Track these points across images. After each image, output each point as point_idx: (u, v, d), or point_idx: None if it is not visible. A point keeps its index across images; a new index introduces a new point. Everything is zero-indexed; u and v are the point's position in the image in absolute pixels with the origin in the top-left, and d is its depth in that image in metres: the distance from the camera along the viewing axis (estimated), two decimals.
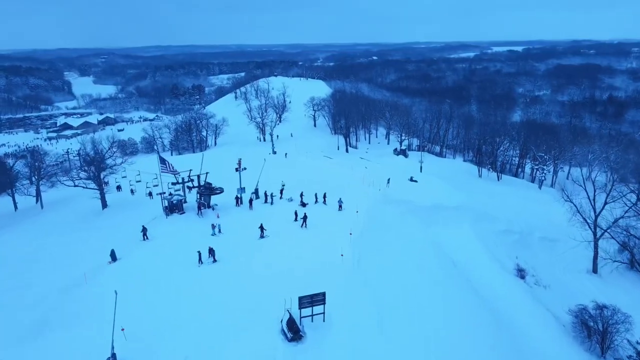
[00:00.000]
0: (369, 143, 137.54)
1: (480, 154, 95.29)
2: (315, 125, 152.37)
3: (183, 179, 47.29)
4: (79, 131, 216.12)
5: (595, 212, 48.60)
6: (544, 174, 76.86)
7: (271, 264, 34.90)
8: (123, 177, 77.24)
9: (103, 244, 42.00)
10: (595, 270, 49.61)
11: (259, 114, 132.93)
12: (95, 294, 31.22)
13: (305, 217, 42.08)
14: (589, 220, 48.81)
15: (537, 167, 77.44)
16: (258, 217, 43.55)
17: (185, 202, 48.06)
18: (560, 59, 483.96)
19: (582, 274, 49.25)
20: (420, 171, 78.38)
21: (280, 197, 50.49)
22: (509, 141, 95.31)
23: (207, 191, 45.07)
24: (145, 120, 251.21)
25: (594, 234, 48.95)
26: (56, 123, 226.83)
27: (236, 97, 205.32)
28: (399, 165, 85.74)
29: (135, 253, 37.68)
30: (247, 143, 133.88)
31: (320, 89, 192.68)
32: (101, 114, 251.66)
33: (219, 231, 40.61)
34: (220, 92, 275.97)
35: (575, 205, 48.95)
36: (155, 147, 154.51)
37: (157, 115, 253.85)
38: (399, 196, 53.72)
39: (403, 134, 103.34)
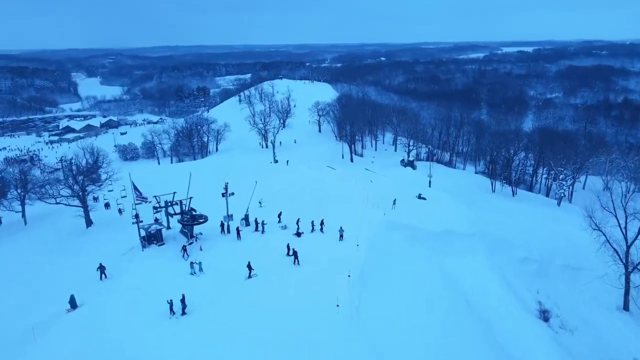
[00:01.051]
0: (375, 150, 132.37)
1: (493, 165, 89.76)
2: (320, 131, 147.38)
3: (166, 202, 42.44)
4: (81, 134, 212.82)
5: (627, 242, 43.18)
6: (563, 190, 71.26)
7: (255, 316, 29.81)
8: (110, 191, 72.71)
9: (72, 278, 37.35)
10: (626, 307, 44.16)
11: (261, 120, 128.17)
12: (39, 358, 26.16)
13: (295, 254, 37.02)
14: (620, 251, 43.42)
15: (557, 183, 71.82)
16: (246, 250, 38.57)
17: (169, 228, 43.26)
18: (572, 60, 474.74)
19: (612, 311, 43.80)
20: (429, 186, 73.19)
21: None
22: (523, 151, 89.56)
23: (190, 220, 40.14)
24: (149, 123, 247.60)
25: (626, 266, 43.53)
26: (58, 126, 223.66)
27: (240, 101, 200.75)
28: (406, 178, 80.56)
29: (98, 299, 32.73)
30: (248, 150, 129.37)
31: (326, 92, 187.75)
32: (104, 116, 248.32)
33: (200, 269, 35.69)
34: (225, 95, 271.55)
35: (604, 235, 43.55)
36: (155, 153, 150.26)
37: (160, 118, 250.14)
38: (406, 220, 48.53)
39: (411, 143, 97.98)
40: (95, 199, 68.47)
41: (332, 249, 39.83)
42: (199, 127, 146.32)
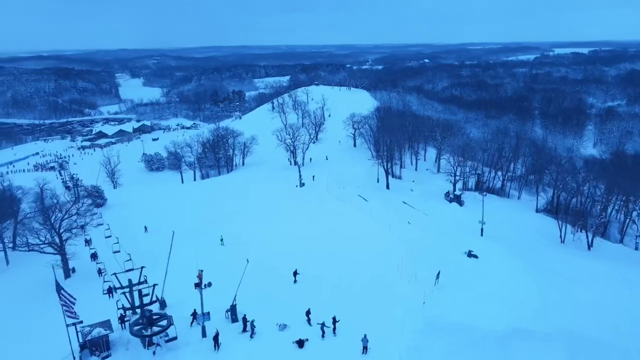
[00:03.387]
0: (416, 170, 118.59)
1: (558, 201, 74.65)
2: (355, 145, 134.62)
3: (130, 282, 31.18)
4: (113, 140, 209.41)
5: None
6: None
7: None
8: (97, 225, 63.33)
9: None
10: None
11: (289, 134, 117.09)
12: None
13: None
14: None
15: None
16: None
17: (127, 320, 32.09)
18: (635, 62, 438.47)
19: None
20: (481, 234, 59.45)
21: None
22: (595, 185, 73.84)
23: (145, 322, 28.57)
24: (182, 127, 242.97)
25: None
26: (92, 130, 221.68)
27: (273, 108, 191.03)
28: (452, 219, 67.03)
29: None
30: (276, 166, 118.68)
31: (364, 101, 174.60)
32: (138, 121, 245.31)
33: None
34: (260, 100, 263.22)
35: None
36: (180, 166, 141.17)
37: (194, 123, 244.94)
38: (455, 313, 35.48)
39: (457, 170, 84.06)
40: (88, 241, 59.11)
41: None
42: (225, 139, 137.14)
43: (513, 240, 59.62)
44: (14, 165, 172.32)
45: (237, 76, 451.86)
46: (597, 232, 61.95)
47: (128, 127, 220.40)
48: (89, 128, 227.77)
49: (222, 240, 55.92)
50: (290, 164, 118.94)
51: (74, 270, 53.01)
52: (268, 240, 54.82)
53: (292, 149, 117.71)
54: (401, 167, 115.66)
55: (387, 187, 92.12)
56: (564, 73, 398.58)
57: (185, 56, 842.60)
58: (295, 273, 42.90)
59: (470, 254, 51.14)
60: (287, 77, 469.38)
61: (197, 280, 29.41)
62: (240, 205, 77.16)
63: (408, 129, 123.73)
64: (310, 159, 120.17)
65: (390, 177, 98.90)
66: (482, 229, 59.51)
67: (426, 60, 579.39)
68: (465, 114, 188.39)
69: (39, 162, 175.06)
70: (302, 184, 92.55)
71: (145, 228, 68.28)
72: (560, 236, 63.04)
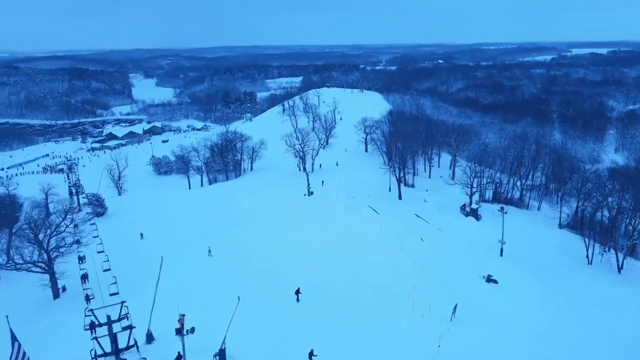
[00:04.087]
0: (430, 177, 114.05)
1: (582, 216, 69.74)
2: (366, 150, 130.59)
3: (109, 318, 27.74)
4: (123, 141, 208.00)
5: None
6: None
7: None
8: (94, 238, 60.34)
9: None
10: None
11: (298, 139, 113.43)
12: None
13: None
14: None
15: None
16: None
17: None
18: None
19: None
20: (501, 254, 55.06)
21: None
22: (622, 197, 68.66)
23: None
24: (193, 129, 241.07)
25: None
26: (102, 132, 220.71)
27: (284, 111, 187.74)
28: (469, 235, 62.65)
29: None
30: (284, 172, 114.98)
31: (377, 104, 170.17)
32: (149, 122, 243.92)
33: None
34: (272, 101, 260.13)
35: None
36: (188, 170, 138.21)
37: (204, 125, 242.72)
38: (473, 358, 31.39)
39: (473, 182, 79.20)
40: (81, 259, 56.04)
41: None
42: (233, 144, 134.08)
43: (535, 260, 55.12)
44: (23, 167, 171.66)
45: (249, 77, 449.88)
46: (627, 252, 57.01)
47: (138, 128, 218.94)
48: (100, 129, 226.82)
49: (209, 251, 53.28)
50: (300, 170, 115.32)
51: (64, 289, 49.96)
52: (272, 252, 51.47)
53: (301, 154, 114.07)
54: (414, 174, 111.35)
55: (399, 197, 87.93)
56: (582, 74, 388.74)
57: (197, 56, 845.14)
58: (297, 292, 40.17)
59: (489, 279, 46.84)
60: (300, 78, 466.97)
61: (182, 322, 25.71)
62: (245, 213, 73.70)
63: (421, 135, 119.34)
64: (320, 165, 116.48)
65: (402, 185, 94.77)
66: (501, 249, 55.08)
67: (440, 61, 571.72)
68: (481, 118, 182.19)
69: (48, 164, 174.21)
70: (310, 193, 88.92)
71: (141, 235, 65.63)
72: (587, 256, 58.20)
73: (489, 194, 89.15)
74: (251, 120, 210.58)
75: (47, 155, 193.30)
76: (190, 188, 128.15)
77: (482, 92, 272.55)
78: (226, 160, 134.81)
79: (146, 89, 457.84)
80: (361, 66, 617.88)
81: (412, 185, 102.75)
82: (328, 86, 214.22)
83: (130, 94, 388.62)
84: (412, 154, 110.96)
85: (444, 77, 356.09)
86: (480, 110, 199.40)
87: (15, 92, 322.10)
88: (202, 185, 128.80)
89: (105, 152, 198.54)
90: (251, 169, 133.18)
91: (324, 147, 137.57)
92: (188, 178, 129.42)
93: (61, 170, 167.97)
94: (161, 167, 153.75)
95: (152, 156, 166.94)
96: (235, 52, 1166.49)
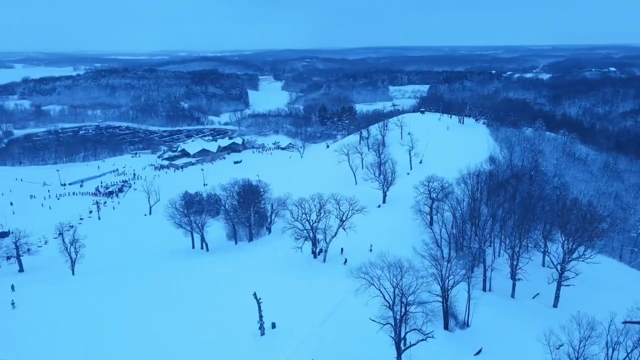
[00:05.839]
0: (513, 295, 66.90)
1: None
2: (431, 224, 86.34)
3: None
4: (192, 160, 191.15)
5: None
6: None
7: None
8: None
9: None
10: None
11: (306, 215, 75.82)
12: None
13: None
14: None
15: None
16: None
17: None
18: None
19: None
20: None
21: None
22: None
23: None
24: (277, 147, 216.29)
25: None
26: (178, 147, 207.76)
27: (360, 140, 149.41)
28: None
29: None
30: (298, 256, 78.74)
31: (477, 144, 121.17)
32: (230, 137, 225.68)
33: None
34: (374, 119, 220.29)
35: None
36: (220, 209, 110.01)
37: (290, 144, 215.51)
38: None
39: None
40: None
41: None
42: (255, 194, 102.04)
43: None
44: (82, 184, 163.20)
45: (370, 84, 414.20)
46: None
47: (212, 146, 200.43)
48: (178, 143, 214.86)
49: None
50: (314, 257, 78.20)
51: None
52: None
53: (311, 237, 76.53)
54: (487, 286, 65.60)
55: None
56: None
57: (336, 58, 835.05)
58: None
59: None
60: (427, 87, 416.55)
61: None
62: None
63: (555, 210, 71.39)
64: (342, 249, 78.01)
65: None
66: None
67: (611, 69, 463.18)
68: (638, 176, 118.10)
69: (103, 184, 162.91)
70: (262, 331, 52.68)
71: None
72: None
73: None
74: (327, 146, 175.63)
75: (117, 170, 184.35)
76: (193, 247, 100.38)
77: None
78: (248, 214, 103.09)
79: (268, 93, 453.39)
80: (508, 73, 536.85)
81: (466, 325, 57.70)
82: (422, 112, 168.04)
83: (247, 100, 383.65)
84: (520, 243, 64.61)
85: (609, 94, 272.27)
86: None
87: (137, 95, 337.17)
88: (202, 247, 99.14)
89: (175, 170, 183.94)
90: (269, 231, 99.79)
91: (379, 205, 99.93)
92: (192, 235, 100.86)
93: (111, 193, 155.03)
94: (192, 205, 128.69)
95: (185, 192, 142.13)
96: (381, 53, 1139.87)
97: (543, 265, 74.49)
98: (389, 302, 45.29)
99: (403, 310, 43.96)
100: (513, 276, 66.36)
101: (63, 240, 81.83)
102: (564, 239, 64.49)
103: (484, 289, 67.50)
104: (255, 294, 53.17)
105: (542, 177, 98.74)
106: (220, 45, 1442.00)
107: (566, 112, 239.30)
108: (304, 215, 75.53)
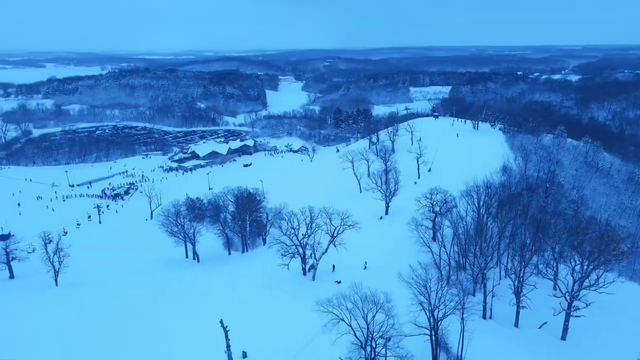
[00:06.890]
0: (516, 325, 60.80)
1: None
2: (434, 239, 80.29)
3: None
4: (202, 162, 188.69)
5: None
6: None
7: None
8: None
9: None
10: None
11: (294, 231, 70.95)
12: None
13: None
14: None
15: None
16: None
17: None
18: None
19: None
20: None
21: None
22: None
23: None
24: (289, 150, 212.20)
25: None
26: (188, 149, 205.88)
27: (370, 145, 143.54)
28: None
29: None
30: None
31: (490, 153, 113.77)
32: (242, 139, 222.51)
33: None
34: (389, 121, 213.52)
35: None
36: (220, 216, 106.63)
37: (302, 146, 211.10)
38: None
39: None
40: None
41: None
42: (252, 203, 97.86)
43: None
44: (90, 186, 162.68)
45: (390, 85, 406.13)
46: None
47: (223, 148, 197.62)
48: (189, 145, 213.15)
49: None
50: (304, 274, 73.45)
51: None
52: None
53: (301, 254, 71.70)
54: (486, 314, 59.60)
55: None
56: None
57: (359, 58, 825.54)
58: None
59: None
60: (449, 88, 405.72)
61: None
62: None
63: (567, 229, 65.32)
64: (334, 266, 73.09)
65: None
66: None
67: None
68: None
69: (110, 186, 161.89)
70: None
71: None
72: None
73: None
74: (338, 150, 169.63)
75: (126, 171, 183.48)
76: (186, 256, 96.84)
77: None
78: (244, 225, 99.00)
79: (288, 94, 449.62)
80: (535, 74, 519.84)
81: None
82: (435, 116, 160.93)
83: (264, 100, 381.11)
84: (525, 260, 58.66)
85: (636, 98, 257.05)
86: None
87: (155, 96, 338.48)
88: (194, 257, 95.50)
89: (184, 173, 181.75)
90: (264, 242, 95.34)
91: (381, 217, 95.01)
92: (185, 245, 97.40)
93: (117, 195, 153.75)
94: (193, 211, 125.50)
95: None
96: (404, 53, 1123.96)
97: (554, 288, 67.60)
98: (360, 341, 40.05)
99: (373, 354, 38.64)
100: (517, 303, 60.10)
101: (46, 249, 79.20)
102: (575, 262, 57.79)
103: (484, 317, 61.44)
104: (221, 322, 48.70)
105: (558, 189, 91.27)
106: (245, 45, 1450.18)
107: (594, 115, 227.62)
108: (292, 230, 70.77)
